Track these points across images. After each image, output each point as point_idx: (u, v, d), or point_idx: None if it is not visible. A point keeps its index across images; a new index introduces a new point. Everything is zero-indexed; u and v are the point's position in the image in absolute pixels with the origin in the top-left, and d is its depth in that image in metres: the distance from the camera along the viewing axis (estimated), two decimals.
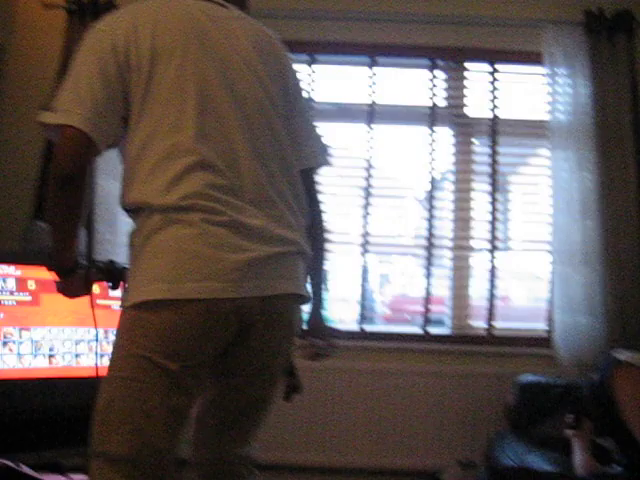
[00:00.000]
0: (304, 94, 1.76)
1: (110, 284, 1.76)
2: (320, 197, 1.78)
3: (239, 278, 1.40)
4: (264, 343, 1.51)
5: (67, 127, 1.41)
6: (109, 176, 3.32)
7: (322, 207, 1.78)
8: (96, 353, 2.36)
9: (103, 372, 1.49)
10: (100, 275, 1.73)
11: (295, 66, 1.74)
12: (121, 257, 3.22)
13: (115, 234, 3.29)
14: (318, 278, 1.74)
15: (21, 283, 2.54)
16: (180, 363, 1.39)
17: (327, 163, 1.76)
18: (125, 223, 3.30)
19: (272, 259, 1.46)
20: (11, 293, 2.49)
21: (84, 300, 2.56)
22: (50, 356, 2.54)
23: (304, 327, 1.71)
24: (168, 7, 1.57)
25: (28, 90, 3.54)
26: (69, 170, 1.42)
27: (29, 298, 2.55)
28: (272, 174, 1.53)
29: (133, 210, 1.48)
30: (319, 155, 1.73)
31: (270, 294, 1.46)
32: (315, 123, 1.77)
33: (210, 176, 1.43)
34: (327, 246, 1.78)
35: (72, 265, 1.62)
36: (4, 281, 2.49)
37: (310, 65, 3.61)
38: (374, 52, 3.65)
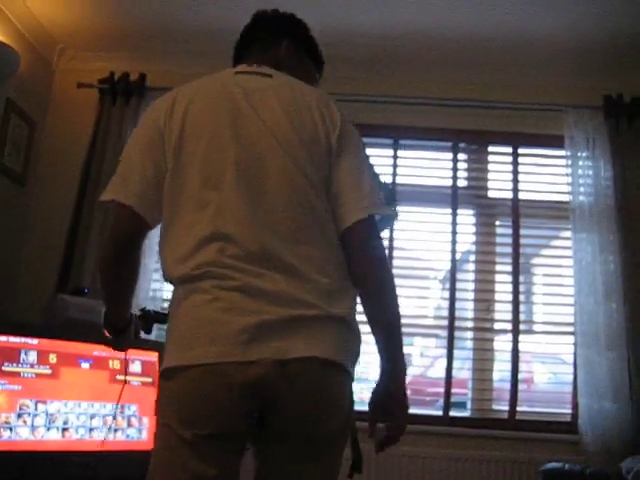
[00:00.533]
0: (353, 152, 1.60)
1: (146, 329, 1.94)
2: (378, 255, 1.57)
3: (246, 340, 1.35)
4: (295, 410, 1.40)
5: (117, 203, 1.50)
6: None
7: (381, 268, 1.56)
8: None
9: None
10: (142, 323, 1.92)
11: (342, 120, 1.61)
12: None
13: (137, 308, 3.29)
14: (384, 349, 1.54)
15: (42, 356, 2.55)
16: (192, 431, 1.36)
17: (379, 212, 1.59)
18: (144, 299, 3.33)
19: (288, 322, 1.39)
20: (31, 366, 2.50)
21: (103, 375, 2.57)
22: (64, 429, 2.53)
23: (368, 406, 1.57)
24: (206, 85, 1.63)
25: (59, 166, 3.66)
26: (119, 245, 1.54)
27: (49, 371, 2.55)
28: (297, 240, 1.47)
29: (170, 283, 1.55)
30: (363, 208, 1.53)
31: (286, 357, 1.36)
32: (368, 177, 1.60)
33: (224, 245, 1.43)
34: (393, 310, 1.54)
35: (124, 325, 1.78)
36: (25, 354, 2.50)
37: None
38: (399, 134, 3.72)
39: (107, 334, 1.80)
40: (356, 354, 1.52)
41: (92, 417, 2.61)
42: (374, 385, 1.55)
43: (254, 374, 1.34)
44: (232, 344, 1.35)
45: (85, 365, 2.65)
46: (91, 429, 2.61)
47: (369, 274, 1.53)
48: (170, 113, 1.55)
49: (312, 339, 1.40)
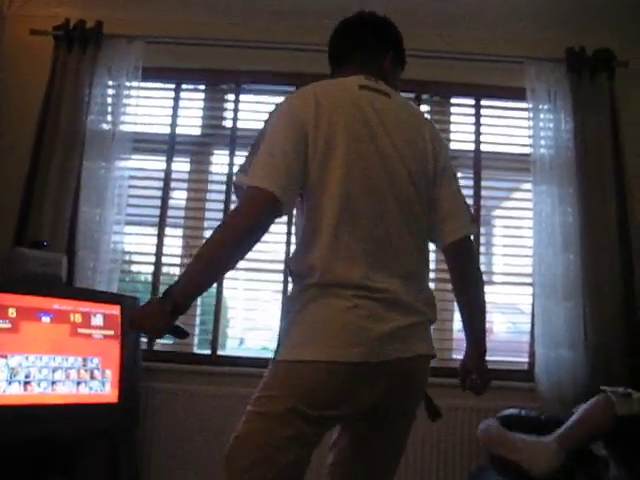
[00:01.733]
0: (450, 168, 1.91)
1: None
2: (477, 264, 2.01)
3: (383, 344, 1.60)
4: (403, 397, 1.73)
5: (261, 189, 1.55)
6: (92, 203, 3.33)
7: (480, 273, 1.97)
8: None
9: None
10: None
11: (443, 142, 1.92)
12: (102, 284, 3.22)
13: (97, 260, 3.27)
14: (479, 329, 1.99)
15: (1, 310, 2.52)
16: (319, 411, 1.58)
17: (474, 231, 1.91)
18: (105, 251, 3.30)
19: (410, 328, 1.67)
20: None
21: (63, 329, 2.56)
22: (26, 383, 2.51)
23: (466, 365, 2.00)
24: (342, 92, 1.75)
25: (13, 117, 3.55)
26: (254, 225, 1.57)
27: (8, 325, 2.53)
28: (412, 252, 1.74)
29: (299, 275, 1.69)
30: (466, 226, 1.86)
31: (409, 356, 1.66)
32: (460, 195, 1.92)
33: (370, 261, 1.64)
34: (485, 304, 1.96)
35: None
36: None
37: None
38: None
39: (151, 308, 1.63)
40: None
41: (54, 370, 2.60)
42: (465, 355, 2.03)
43: (387, 370, 1.62)
44: (372, 347, 1.59)
45: (46, 319, 2.62)
46: (53, 382, 2.60)
47: (478, 280, 1.93)
48: (315, 114, 1.66)
49: (423, 339, 1.75)
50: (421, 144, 1.81)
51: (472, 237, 1.90)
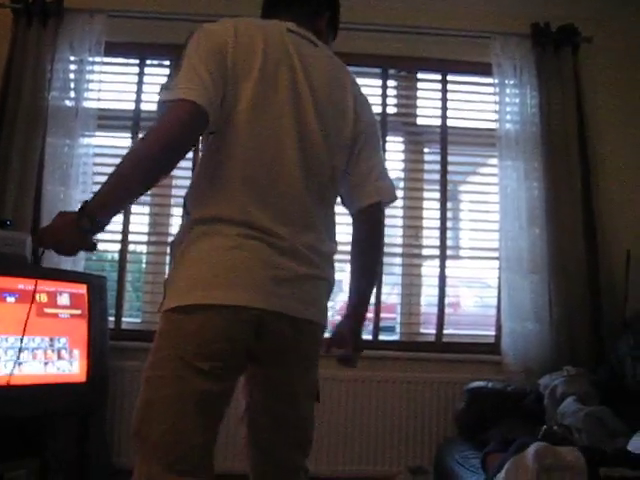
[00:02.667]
0: (373, 131, 1.83)
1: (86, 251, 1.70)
2: (382, 235, 1.89)
3: (266, 291, 1.53)
4: (294, 356, 1.65)
5: (185, 101, 1.47)
6: (56, 180, 3.28)
7: (382, 245, 1.92)
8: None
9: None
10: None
11: (368, 104, 1.85)
12: (68, 263, 3.18)
13: None
14: (364, 294, 1.87)
15: None
16: (210, 363, 1.49)
17: (393, 199, 1.85)
18: None
19: (301, 280, 1.60)
20: None
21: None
22: None
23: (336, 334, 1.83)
24: (267, 28, 1.68)
25: None
26: (180, 136, 1.48)
27: None
28: (312, 206, 1.66)
29: (189, 212, 1.63)
30: (378, 193, 1.80)
31: (297, 316, 1.59)
32: (378, 160, 1.84)
33: (253, 194, 1.56)
34: (375, 275, 1.92)
35: (102, 225, 1.49)
36: None
37: None
38: None
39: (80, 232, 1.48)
40: None
41: (21, 351, 2.57)
42: (341, 319, 1.86)
43: (270, 320, 1.55)
44: (254, 292, 1.52)
45: (10, 299, 2.59)
46: (20, 363, 2.57)
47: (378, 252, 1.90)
48: (234, 39, 1.60)
49: (315, 303, 1.68)
50: (342, 102, 1.74)
51: (384, 206, 1.84)
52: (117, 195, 1.49)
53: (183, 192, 3.45)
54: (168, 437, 1.49)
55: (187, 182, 3.55)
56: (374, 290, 1.97)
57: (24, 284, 2.64)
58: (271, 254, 1.55)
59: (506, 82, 3.52)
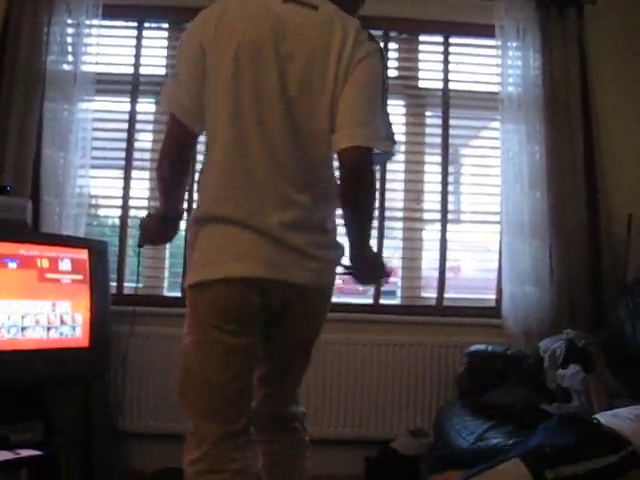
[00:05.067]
0: (362, 71, 1.70)
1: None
2: (363, 181, 1.72)
3: (265, 262, 1.68)
4: (294, 319, 1.83)
5: (170, 113, 1.77)
6: (55, 146, 3.26)
7: (361, 194, 1.75)
8: None
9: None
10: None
11: (355, 47, 1.70)
12: (69, 229, 3.18)
13: (63, 205, 3.22)
14: (354, 250, 1.87)
15: None
16: (231, 325, 1.70)
17: (372, 144, 1.70)
18: (71, 195, 3.26)
19: (287, 250, 1.70)
20: None
21: (31, 274, 2.54)
22: None
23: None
24: (257, 4, 1.73)
25: None
26: (167, 148, 1.80)
27: None
28: (291, 173, 1.71)
29: None
30: (358, 136, 1.68)
31: (295, 282, 1.72)
32: (363, 102, 1.71)
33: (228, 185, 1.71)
34: (359, 231, 1.85)
35: (175, 215, 1.97)
36: None
37: None
38: None
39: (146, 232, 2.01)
40: None
41: (23, 316, 2.58)
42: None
43: (268, 287, 1.72)
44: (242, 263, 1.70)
45: (12, 264, 2.59)
46: (23, 328, 2.58)
47: (359, 200, 1.76)
48: (203, 28, 1.72)
49: (312, 268, 1.78)
50: (323, 68, 1.68)
51: (365, 154, 1.69)
52: (160, 194, 1.94)
53: None
54: (205, 390, 1.72)
55: None
56: (368, 240, 1.89)
57: (25, 250, 2.64)
58: (255, 238, 1.69)
59: (509, 44, 3.47)
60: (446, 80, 3.66)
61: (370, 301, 3.56)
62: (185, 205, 2.03)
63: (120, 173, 3.52)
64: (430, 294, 3.61)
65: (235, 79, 1.67)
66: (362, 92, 1.71)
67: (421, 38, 3.74)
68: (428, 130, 3.73)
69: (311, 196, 1.73)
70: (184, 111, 1.73)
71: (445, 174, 3.61)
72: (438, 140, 3.65)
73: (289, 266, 1.70)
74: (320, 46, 1.69)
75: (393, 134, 1.78)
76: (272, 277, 1.69)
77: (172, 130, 1.77)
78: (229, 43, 1.67)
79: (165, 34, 3.69)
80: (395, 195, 3.68)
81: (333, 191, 1.80)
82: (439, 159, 3.64)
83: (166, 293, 3.53)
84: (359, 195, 1.73)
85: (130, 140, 3.51)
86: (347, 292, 3.71)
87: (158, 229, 1.99)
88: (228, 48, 1.66)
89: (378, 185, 3.59)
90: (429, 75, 3.77)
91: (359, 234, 1.84)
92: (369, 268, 1.94)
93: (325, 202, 1.80)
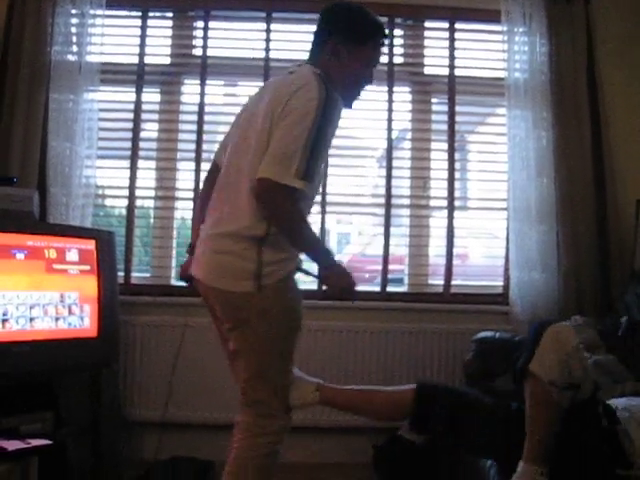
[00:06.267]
0: (281, 118, 1.97)
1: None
2: (269, 207, 1.98)
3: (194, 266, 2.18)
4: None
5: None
6: (61, 136, 3.26)
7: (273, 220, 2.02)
8: None
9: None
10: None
11: (282, 97, 1.99)
12: (76, 219, 3.18)
13: (69, 196, 3.23)
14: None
15: None
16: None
17: (264, 175, 1.92)
18: (78, 186, 3.26)
19: (206, 254, 2.10)
20: None
21: (39, 265, 2.55)
22: (4, 320, 2.51)
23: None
24: (266, 83, 2.45)
25: None
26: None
27: None
28: (226, 197, 2.11)
29: None
30: (262, 169, 1.93)
31: (204, 282, 2.11)
32: (275, 139, 1.96)
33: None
34: (289, 236, 2.06)
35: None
36: None
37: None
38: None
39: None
40: None
41: (32, 307, 2.59)
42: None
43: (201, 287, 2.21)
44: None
45: (20, 256, 2.60)
46: (31, 319, 2.60)
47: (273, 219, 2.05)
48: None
49: (209, 270, 2.15)
50: (259, 113, 2.06)
51: (263, 183, 1.92)
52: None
53: (189, 146, 3.47)
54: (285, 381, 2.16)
55: (192, 137, 3.55)
56: (315, 256, 2.13)
57: (33, 241, 2.65)
58: (200, 242, 2.16)
59: (515, 30, 3.44)
60: (452, 66, 3.64)
61: (377, 289, 3.56)
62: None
63: (126, 163, 3.52)
64: (437, 281, 3.60)
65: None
66: (281, 129, 1.96)
67: (427, 24, 3.72)
68: (434, 117, 3.71)
69: (232, 212, 2.10)
70: (218, 156, 2.38)
71: (452, 161, 3.60)
72: (444, 127, 3.64)
73: None
74: (264, 99, 2.09)
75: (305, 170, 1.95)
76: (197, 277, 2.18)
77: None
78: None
79: (170, 23, 3.67)
80: (402, 182, 3.67)
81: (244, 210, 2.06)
82: (445, 146, 3.63)
83: (173, 282, 3.54)
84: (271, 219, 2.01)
85: (136, 130, 3.51)
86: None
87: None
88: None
89: (384, 173, 3.59)
90: (435, 61, 3.75)
91: (297, 249, 2.12)
92: (329, 280, 2.16)
93: (237, 219, 2.07)
